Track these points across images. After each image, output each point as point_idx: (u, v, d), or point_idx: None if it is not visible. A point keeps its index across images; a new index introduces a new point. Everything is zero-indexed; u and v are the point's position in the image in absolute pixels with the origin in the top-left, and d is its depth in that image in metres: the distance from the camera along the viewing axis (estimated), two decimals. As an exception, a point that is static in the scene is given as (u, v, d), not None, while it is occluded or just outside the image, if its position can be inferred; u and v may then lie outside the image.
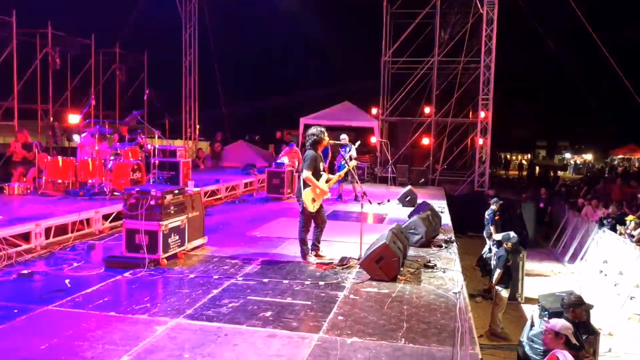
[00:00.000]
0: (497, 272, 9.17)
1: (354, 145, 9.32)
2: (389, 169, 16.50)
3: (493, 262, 9.84)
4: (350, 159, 8.88)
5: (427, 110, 20.84)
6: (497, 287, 9.28)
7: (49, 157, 10.09)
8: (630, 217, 11.79)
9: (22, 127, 11.23)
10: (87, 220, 7.98)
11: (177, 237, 6.50)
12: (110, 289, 5.40)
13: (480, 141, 18.39)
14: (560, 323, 4.76)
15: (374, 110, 21.94)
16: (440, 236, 8.42)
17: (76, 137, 11.06)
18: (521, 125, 47.30)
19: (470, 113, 22.62)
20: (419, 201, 11.01)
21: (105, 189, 9.40)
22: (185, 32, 20.71)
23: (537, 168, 38.29)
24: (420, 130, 19.67)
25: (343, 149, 10.57)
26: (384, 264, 5.84)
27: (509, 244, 9.41)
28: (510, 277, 9.51)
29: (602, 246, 12.20)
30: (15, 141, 10.57)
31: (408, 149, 19.69)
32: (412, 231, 7.70)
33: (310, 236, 6.72)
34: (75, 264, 6.25)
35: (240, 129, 23.07)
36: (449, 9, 20.69)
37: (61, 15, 16.05)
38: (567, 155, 54.44)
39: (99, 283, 5.55)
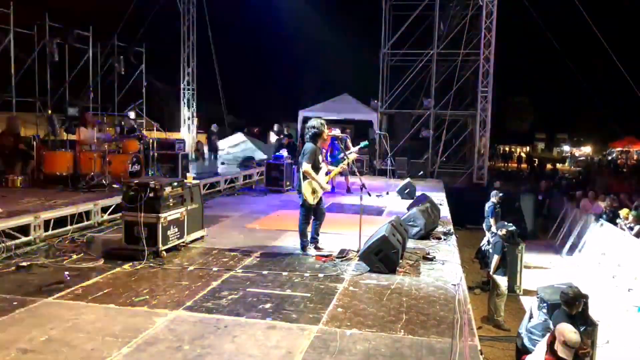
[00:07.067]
0: (495, 258, 9.19)
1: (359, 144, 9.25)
2: (388, 162, 16.50)
3: (489, 251, 9.87)
4: (347, 148, 8.85)
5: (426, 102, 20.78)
6: (494, 275, 9.30)
7: (47, 149, 10.06)
8: (624, 211, 11.77)
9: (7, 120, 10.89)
10: (86, 212, 7.97)
11: (176, 230, 6.50)
12: (109, 281, 5.40)
13: (479, 133, 18.36)
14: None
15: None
16: (439, 228, 8.43)
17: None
18: (520, 117, 47.33)
19: (470, 105, 22.59)
20: (418, 193, 11.01)
21: (104, 181, 9.39)
22: (183, 24, 20.61)
23: (536, 160, 38.26)
24: (419, 122, 19.64)
25: (337, 142, 10.53)
26: (383, 256, 5.85)
27: (504, 231, 9.51)
28: (507, 265, 9.53)
29: (601, 238, 12.21)
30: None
31: (407, 142, 19.67)
32: (411, 223, 7.71)
33: (309, 229, 6.72)
34: (74, 256, 6.25)
35: (238, 121, 23.04)
36: (448, 0, 20.57)
37: (58, 6, 15.95)
38: (566, 147, 54.52)
39: (98, 275, 5.55)
